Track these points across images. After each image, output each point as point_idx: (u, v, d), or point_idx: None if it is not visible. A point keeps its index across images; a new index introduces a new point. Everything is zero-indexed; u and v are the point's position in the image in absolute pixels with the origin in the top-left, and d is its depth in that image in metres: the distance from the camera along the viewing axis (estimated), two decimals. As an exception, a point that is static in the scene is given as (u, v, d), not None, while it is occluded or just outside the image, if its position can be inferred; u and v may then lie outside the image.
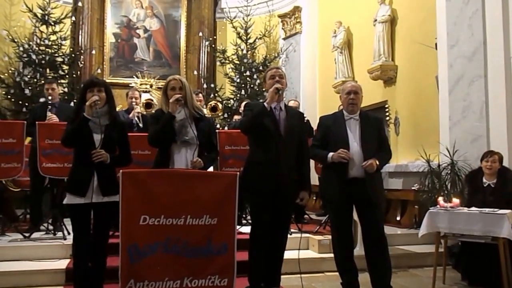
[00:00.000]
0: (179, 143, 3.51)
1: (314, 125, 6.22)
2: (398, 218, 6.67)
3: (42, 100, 8.16)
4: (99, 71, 10.15)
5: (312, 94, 9.97)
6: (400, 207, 6.73)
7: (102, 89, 3.43)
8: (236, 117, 8.50)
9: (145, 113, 6.40)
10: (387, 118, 7.41)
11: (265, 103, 3.64)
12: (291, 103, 6.81)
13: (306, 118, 5.04)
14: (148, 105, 8.62)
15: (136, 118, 5.77)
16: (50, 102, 5.56)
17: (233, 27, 10.34)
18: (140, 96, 6.73)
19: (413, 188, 6.08)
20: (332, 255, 4.97)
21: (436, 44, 6.23)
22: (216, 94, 10.11)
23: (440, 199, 4.57)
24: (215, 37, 10.95)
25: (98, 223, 3.43)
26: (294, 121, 3.78)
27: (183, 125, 3.53)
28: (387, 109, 7.47)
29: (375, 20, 7.62)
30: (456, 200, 4.45)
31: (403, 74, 7.35)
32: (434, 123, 6.22)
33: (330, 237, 5.23)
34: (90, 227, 3.44)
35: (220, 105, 7.69)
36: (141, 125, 5.73)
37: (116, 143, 3.50)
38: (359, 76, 8.50)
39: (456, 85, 5.83)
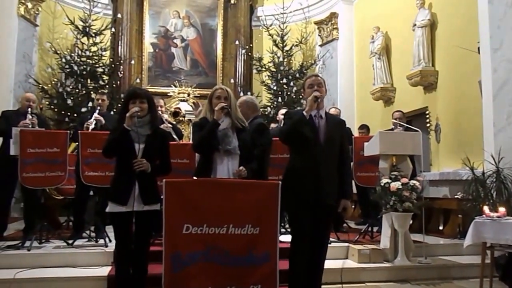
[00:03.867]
0: (222, 152, 3.52)
1: (353, 133, 6.19)
2: (440, 228, 6.49)
3: (84, 110, 8.47)
4: (138, 80, 10.36)
5: (350, 101, 9.88)
6: (442, 216, 6.54)
7: (144, 100, 3.47)
8: (273, 125, 8.49)
9: (174, 122, 6.54)
10: (428, 125, 7.23)
11: (304, 112, 3.61)
12: (332, 111, 6.74)
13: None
14: (175, 113, 8.73)
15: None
16: (98, 110, 5.76)
17: (269, 34, 10.37)
18: (165, 104, 6.88)
19: (456, 196, 5.90)
20: (373, 265, 4.94)
21: (478, 48, 6.05)
22: (252, 102, 10.12)
23: (486, 208, 4.42)
24: (251, 45, 11.02)
25: (139, 231, 3.46)
26: (334, 128, 3.72)
27: (226, 134, 3.55)
28: (427, 116, 7.31)
29: (414, 25, 7.48)
30: (502, 209, 4.30)
31: (444, 80, 7.17)
32: (478, 129, 6.04)
33: (370, 246, 5.16)
34: (132, 235, 3.48)
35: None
36: (175, 137, 5.82)
37: (157, 152, 3.53)
38: (398, 82, 8.37)
39: (501, 90, 5.65)
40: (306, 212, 3.53)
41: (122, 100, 3.72)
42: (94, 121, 5.55)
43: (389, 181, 5.01)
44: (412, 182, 4.99)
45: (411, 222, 5.20)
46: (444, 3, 7.25)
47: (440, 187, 6.70)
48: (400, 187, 4.92)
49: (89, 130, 5.40)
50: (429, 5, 7.47)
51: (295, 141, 3.65)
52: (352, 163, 6.02)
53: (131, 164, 3.33)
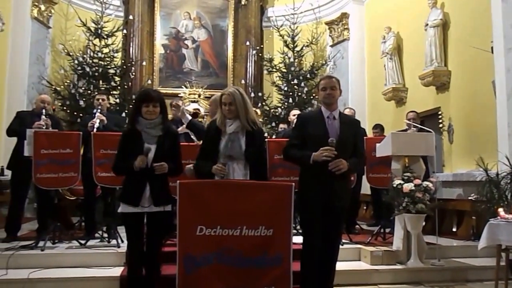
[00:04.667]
0: (224, 157, 3.46)
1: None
2: (454, 229, 6.43)
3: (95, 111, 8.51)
4: (149, 82, 10.42)
5: (361, 102, 9.82)
6: (456, 218, 6.48)
7: (157, 104, 3.48)
8: (282, 125, 8.49)
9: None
10: (440, 125, 7.17)
11: (312, 156, 3.50)
12: (346, 111, 6.72)
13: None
14: (195, 114, 8.69)
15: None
16: (99, 110, 5.73)
17: (280, 35, 10.34)
18: (183, 105, 6.82)
19: (470, 198, 5.83)
20: (386, 267, 4.90)
21: (492, 48, 5.98)
22: (263, 103, 10.13)
23: (500, 210, 4.38)
24: (262, 45, 11.02)
25: (151, 232, 3.48)
26: (347, 129, 3.69)
27: (232, 139, 3.50)
28: (440, 116, 7.24)
29: (426, 25, 7.42)
30: (517, 211, 4.24)
31: (457, 80, 7.10)
32: (491, 130, 5.97)
33: (383, 248, 5.13)
34: (144, 235, 3.50)
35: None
36: (193, 137, 5.79)
37: (169, 153, 3.53)
38: (410, 82, 8.31)
39: (515, 90, 5.58)
40: (317, 215, 3.52)
41: (134, 101, 3.74)
42: (98, 120, 5.54)
43: (402, 182, 4.96)
44: (425, 183, 4.94)
45: (424, 223, 5.15)
46: (456, 3, 7.18)
47: (454, 188, 6.64)
48: (413, 188, 4.87)
49: (95, 130, 5.40)
50: (442, 5, 7.40)
51: (306, 143, 3.64)
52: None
53: (147, 167, 3.35)
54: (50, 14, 9.70)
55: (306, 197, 3.55)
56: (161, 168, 3.36)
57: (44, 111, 5.49)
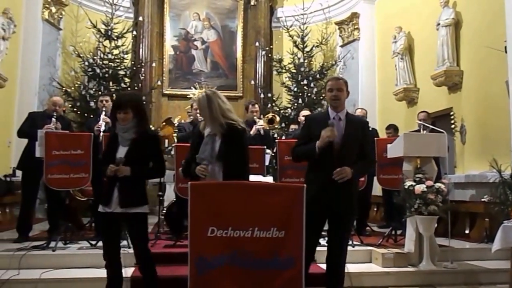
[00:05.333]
0: (199, 159, 3.50)
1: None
2: (466, 232, 6.35)
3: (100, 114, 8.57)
4: (159, 83, 10.45)
5: (372, 102, 9.75)
6: (468, 220, 6.40)
7: (128, 110, 3.50)
8: (293, 126, 8.45)
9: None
10: (453, 126, 7.09)
11: (316, 146, 3.49)
12: (358, 112, 6.71)
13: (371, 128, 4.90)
14: (271, 120, 8.35)
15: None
16: (104, 111, 5.78)
17: (290, 36, 10.32)
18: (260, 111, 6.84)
19: (483, 200, 5.76)
20: (397, 269, 4.85)
21: (505, 47, 5.90)
22: (273, 104, 10.11)
23: (515, 212, 4.30)
24: (271, 46, 11.01)
25: (129, 233, 3.70)
26: (354, 131, 3.63)
27: (206, 142, 3.54)
28: (452, 117, 7.14)
29: (438, 24, 7.35)
30: (532, 213, 4.17)
31: (469, 80, 7.03)
32: (505, 130, 5.89)
33: (394, 250, 5.08)
34: (118, 236, 3.69)
35: (277, 118, 7.35)
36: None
37: (143, 156, 3.56)
38: (422, 83, 8.25)
39: (529, 90, 5.51)
40: (315, 218, 3.45)
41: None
42: (104, 123, 5.56)
43: (414, 183, 4.91)
44: (438, 184, 4.89)
45: (436, 225, 5.09)
46: (469, 1, 7.11)
47: (466, 190, 6.57)
48: (425, 189, 4.82)
49: (101, 133, 5.43)
50: (454, 4, 7.34)
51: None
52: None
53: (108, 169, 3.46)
54: (60, 16, 9.76)
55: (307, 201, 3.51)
56: (119, 171, 3.42)
57: (55, 113, 5.52)
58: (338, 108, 3.65)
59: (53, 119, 5.41)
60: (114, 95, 9.01)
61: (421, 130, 5.90)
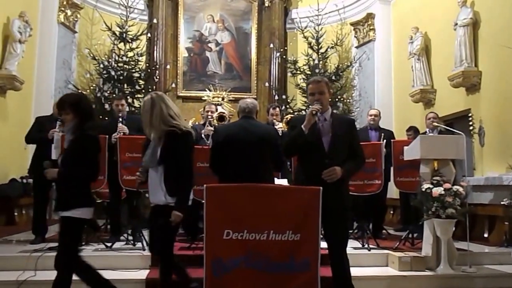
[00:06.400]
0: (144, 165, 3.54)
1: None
2: (485, 235, 6.24)
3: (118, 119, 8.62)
4: (173, 85, 10.47)
5: (388, 104, 9.66)
6: (487, 223, 6.29)
7: (68, 111, 3.49)
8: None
9: (217, 125, 6.47)
10: (471, 128, 6.98)
11: (302, 126, 3.43)
12: (372, 112, 6.67)
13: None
14: (221, 118, 8.65)
15: (204, 135, 5.82)
16: (120, 116, 5.80)
17: (304, 37, 10.24)
18: (217, 110, 6.83)
19: (502, 203, 5.65)
20: (414, 273, 4.77)
21: (525, 48, 5.80)
22: (287, 106, 10.06)
23: (536, 215, 4.21)
24: (286, 48, 10.95)
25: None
26: (340, 130, 3.55)
27: (150, 146, 3.55)
28: (470, 118, 7.06)
29: (456, 24, 7.24)
30: (553, 217, 4.07)
31: (488, 80, 6.91)
32: (525, 132, 5.78)
33: (411, 254, 5.00)
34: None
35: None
36: (208, 141, 5.75)
37: (74, 157, 3.47)
38: (439, 84, 8.14)
39: (550, 90, 5.39)
40: None
41: None
42: (121, 134, 5.58)
43: (431, 186, 4.84)
44: (456, 187, 4.81)
45: (454, 229, 5.01)
46: (487, 1, 7.00)
47: (485, 193, 6.45)
48: (443, 192, 4.75)
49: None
50: (472, 3, 7.22)
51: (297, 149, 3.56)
52: (391, 167, 5.92)
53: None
54: (76, 19, 9.83)
55: None
56: (47, 174, 3.42)
57: (121, 117, 5.66)
58: (322, 109, 3.53)
59: (58, 122, 5.41)
60: (128, 97, 9.13)
61: (428, 132, 5.84)
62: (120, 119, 5.71)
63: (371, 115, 6.70)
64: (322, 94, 3.55)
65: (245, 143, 4.11)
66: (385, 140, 5.93)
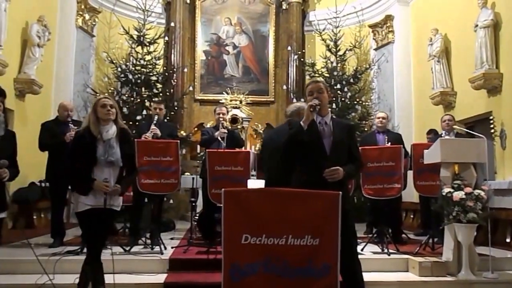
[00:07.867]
0: (103, 163, 3.50)
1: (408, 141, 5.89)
2: (507, 240, 6.11)
3: (138, 117, 8.67)
4: (190, 88, 10.50)
5: (407, 107, 9.56)
6: (509, 228, 6.16)
7: None
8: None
9: (230, 127, 6.48)
10: (492, 130, 6.84)
11: (301, 122, 3.42)
12: (380, 115, 6.59)
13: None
14: (234, 120, 8.68)
15: (219, 138, 5.81)
16: (156, 119, 5.88)
17: (322, 39, 10.19)
18: (228, 112, 6.83)
19: (525, 207, 5.54)
20: (435, 278, 4.69)
21: (549, 49, 5.67)
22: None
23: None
24: (303, 50, 10.92)
25: None
26: (341, 135, 3.52)
27: (111, 145, 3.52)
28: (491, 121, 6.90)
29: (476, 26, 7.12)
30: None
31: (510, 82, 6.76)
32: (548, 135, 5.64)
33: (432, 259, 4.92)
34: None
35: None
36: (224, 144, 5.74)
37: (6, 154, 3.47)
38: (460, 86, 8.01)
39: None
40: None
41: None
42: (152, 134, 5.67)
43: (452, 190, 4.76)
44: (477, 191, 4.71)
45: (475, 234, 4.91)
46: (508, 1, 6.85)
47: (507, 197, 6.32)
48: (464, 196, 4.67)
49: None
50: (492, 4, 7.09)
51: (298, 152, 3.50)
52: (411, 172, 5.83)
53: None
54: (94, 23, 9.94)
55: None
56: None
57: (69, 119, 5.66)
58: (322, 112, 3.51)
59: (70, 125, 5.46)
60: (146, 101, 9.18)
61: (444, 135, 5.76)
62: (155, 121, 5.81)
63: (378, 118, 6.63)
64: (321, 93, 3.53)
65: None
66: (389, 143, 5.89)
